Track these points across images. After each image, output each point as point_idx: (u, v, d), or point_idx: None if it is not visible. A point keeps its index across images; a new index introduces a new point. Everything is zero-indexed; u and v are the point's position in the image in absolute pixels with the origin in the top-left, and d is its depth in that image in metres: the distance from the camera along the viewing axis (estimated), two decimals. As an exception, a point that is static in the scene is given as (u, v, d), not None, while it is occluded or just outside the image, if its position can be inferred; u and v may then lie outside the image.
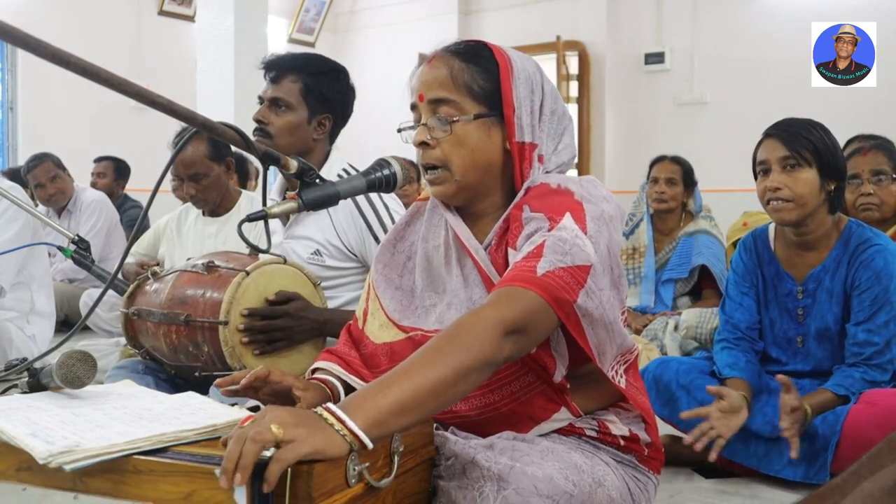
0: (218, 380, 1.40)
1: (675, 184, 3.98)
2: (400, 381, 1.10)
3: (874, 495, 0.70)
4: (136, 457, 1.05)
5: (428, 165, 1.43)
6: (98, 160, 6.33)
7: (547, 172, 1.45)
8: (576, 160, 1.53)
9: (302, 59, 2.30)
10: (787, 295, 2.29)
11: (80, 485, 1.07)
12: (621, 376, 1.42)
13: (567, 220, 1.31)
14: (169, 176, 2.90)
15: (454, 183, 1.42)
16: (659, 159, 4.08)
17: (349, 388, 1.48)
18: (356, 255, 2.18)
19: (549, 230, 1.30)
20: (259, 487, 0.96)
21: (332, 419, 1.03)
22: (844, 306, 2.21)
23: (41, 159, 5.29)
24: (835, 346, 2.23)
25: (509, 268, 1.31)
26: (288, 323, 1.95)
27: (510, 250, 1.37)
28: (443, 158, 1.41)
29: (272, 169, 1.57)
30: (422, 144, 1.43)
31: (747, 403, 2.14)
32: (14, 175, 5.59)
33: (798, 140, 2.16)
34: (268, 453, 0.97)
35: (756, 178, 2.27)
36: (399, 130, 1.50)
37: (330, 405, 1.05)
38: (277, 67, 2.25)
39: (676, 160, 4.05)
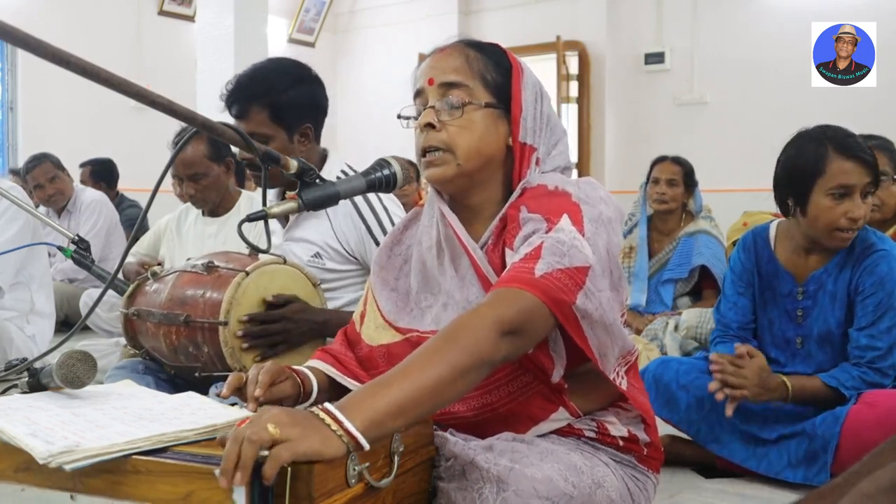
0: (223, 392, 1.38)
1: (675, 185, 3.98)
2: (398, 381, 1.10)
3: (872, 495, 0.70)
4: (135, 457, 1.05)
5: (430, 148, 1.42)
6: (81, 165, 6.30)
7: (543, 173, 1.45)
8: (573, 170, 1.53)
9: (258, 81, 2.13)
10: (787, 295, 2.28)
11: (79, 485, 1.07)
12: (622, 378, 1.42)
13: (564, 221, 1.31)
14: (170, 178, 2.90)
15: (455, 167, 1.40)
16: (660, 160, 4.08)
17: (339, 388, 1.48)
18: (356, 258, 2.18)
19: (547, 232, 1.30)
20: (258, 486, 0.95)
21: (328, 420, 1.03)
22: (847, 310, 2.20)
23: (40, 160, 5.29)
24: (836, 350, 2.22)
25: (507, 269, 1.31)
26: (286, 326, 1.95)
27: (507, 250, 1.37)
28: (448, 142, 1.40)
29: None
30: (427, 126, 1.41)
31: None
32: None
33: (876, 165, 2.13)
34: (265, 453, 0.96)
35: (802, 192, 2.14)
36: (399, 116, 1.49)
37: (327, 405, 1.05)
38: (238, 102, 2.12)
39: (678, 161, 4.05)
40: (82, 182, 6.16)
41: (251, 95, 2.13)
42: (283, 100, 2.13)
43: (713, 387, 2.08)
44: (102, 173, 6.27)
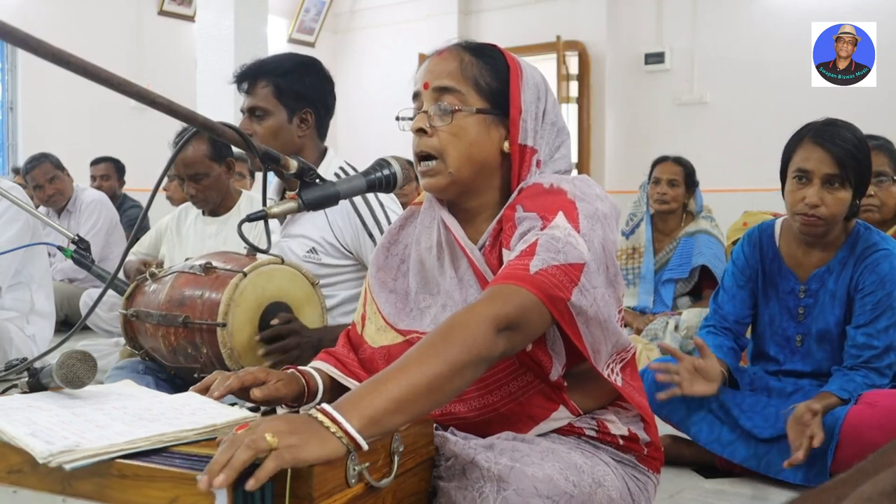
0: (192, 387, 1.39)
1: (676, 185, 3.97)
2: (395, 378, 1.09)
3: (872, 498, 0.69)
4: (121, 461, 1.04)
5: (422, 154, 1.42)
6: (96, 162, 6.32)
7: (541, 174, 1.45)
8: (574, 161, 1.53)
9: (270, 62, 2.28)
10: (789, 293, 2.28)
11: (69, 488, 1.07)
12: (617, 374, 1.42)
13: (560, 218, 1.31)
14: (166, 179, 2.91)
15: (447, 175, 1.41)
16: (661, 160, 4.07)
17: (342, 389, 1.48)
18: (352, 253, 2.18)
19: (542, 229, 1.30)
20: (241, 493, 0.94)
21: (327, 421, 1.02)
22: (847, 308, 2.20)
23: (39, 160, 5.29)
24: (834, 348, 2.22)
25: (503, 266, 1.31)
26: (297, 340, 1.96)
27: (504, 250, 1.37)
28: (438, 148, 1.40)
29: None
30: (419, 131, 1.42)
31: (724, 381, 2.18)
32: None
33: (849, 159, 2.11)
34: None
35: (784, 176, 2.21)
36: (398, 118, 1.49)
37: (325, 406, 1.05)
38: (248, 77, 2.25)
39: (679, 161, 4.05)
40: (102, 178, 6.18)
41: (259, 71, 2.24)
42: (287, 79, 2.22)
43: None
44: (122, 170, 6.32)
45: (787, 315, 2.29)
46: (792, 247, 2.28)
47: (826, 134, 2.14)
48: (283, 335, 1.95)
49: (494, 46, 1.48)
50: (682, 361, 2.11)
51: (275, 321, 1.96)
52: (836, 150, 2.11)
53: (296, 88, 2.22)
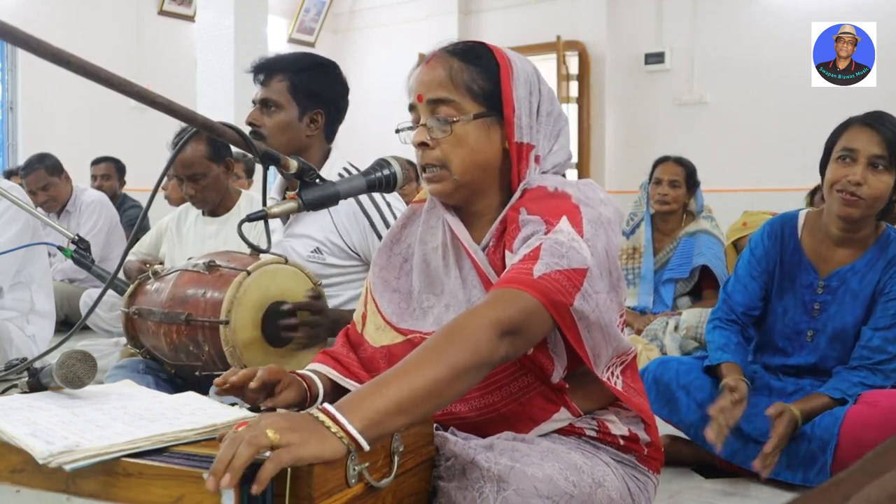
0: (216, 380, 1.39)
1: (678, 186, 3.97)
2: (397, 380, 1.09)
3: (879, 501, 0.69)
4: (127, 460, 1.04)
5: (427, 165, 1.43)
6: (97, 162, 6.32)
7: (543, 173, 1.44)
8: (573, 161, 1.53)
9: (289, 58, 2.31)
10: (807, 287, 2.25)
11: (72, 487, 1.07)
12: (617, 377, 1.42)
13: (563, 223, 1.31)
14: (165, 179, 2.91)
15: (453, 182, 1.42)
16: (662, 160, 4.07)
17: (342, 390, 1.48)
18: (358, 254, 2.18)
19: (546, 233, 1.30)
20: (249, 491, 0.94)
21: (328, 421, 1.02)
22: (868, 310, 2.19)
23: (33, 167, 5.22)
24: (847, 348, 2.20)
25: (506, 270, 1.31)
26: (321, 320, 1.97)
27: (507, 252, 1.37)
28: (442, 158, 1.41)
29: (272, 168, 1.57)
30: (421, 145, 1.42)
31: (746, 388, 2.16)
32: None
33: (893, 144, 2.11)
34: (268, 454, 0.96)
35: (829, 158, 2.19)
36: (397, 131, 1.49)
37: (326, 406, 1.05)
38: (265, 69, 2.27)
39: (680, 161, 4.04)
40: (102, 178, 6.18)
41: (279, 66, 2.27)
42: (303, 77, 2.24)
43: (760, 466, 2.05)
44: (122, 169, 6.33)
45: (801, 309, 2.26)
46: (817, 240, 2.26)
47: (875, 118, 2.16)
48: (316, 312, 1.97)
49: (482, 44, 1.46)
50: (724, 408, 2.07)
51: (307, 296, 1.98)
52: (885, 132, 2.12)
53: (311, 87, 2.24)
